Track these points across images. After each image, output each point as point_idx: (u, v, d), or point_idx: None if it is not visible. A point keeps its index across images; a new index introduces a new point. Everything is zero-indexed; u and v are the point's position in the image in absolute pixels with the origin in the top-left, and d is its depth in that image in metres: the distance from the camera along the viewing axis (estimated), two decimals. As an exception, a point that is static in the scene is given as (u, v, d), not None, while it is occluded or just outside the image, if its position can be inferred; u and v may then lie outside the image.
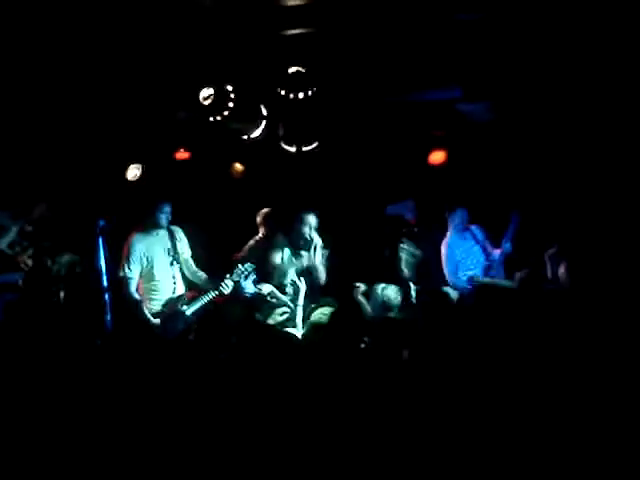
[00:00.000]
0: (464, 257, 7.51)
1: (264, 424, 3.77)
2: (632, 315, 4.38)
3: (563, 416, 3.65)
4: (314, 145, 7.60)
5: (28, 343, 6.14)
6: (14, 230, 7.27)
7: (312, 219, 7.03)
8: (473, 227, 7.61)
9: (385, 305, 6.25)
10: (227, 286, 6.79)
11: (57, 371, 5.07)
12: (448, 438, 3.57)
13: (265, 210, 7.64)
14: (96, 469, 3.81)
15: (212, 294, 6.79)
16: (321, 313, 6.01)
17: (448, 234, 7.59)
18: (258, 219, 7.64)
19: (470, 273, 7.41)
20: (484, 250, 7.57)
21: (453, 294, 6.85)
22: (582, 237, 7.15)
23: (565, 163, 7.61)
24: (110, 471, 3.80)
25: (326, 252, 7.14)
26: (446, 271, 7.52)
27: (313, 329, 5.24)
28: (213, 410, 3.97)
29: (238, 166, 8.20)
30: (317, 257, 7.01)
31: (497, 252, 7.54)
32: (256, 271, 6.94)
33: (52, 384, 4.78)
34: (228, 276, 6.82)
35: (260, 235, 7.58)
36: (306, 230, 6.97)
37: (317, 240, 7.02)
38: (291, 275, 7.04)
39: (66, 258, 7.30)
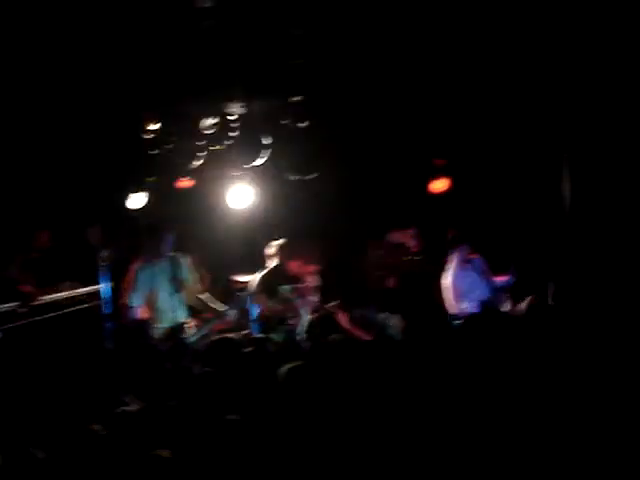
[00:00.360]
0: (468, 290, 7.51)
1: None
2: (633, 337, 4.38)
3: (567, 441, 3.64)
4: (316, 174, 7.63)
5: (29, 370, 6.13)
6: (19, 259, 7.29)
7: None
8: (474, 259, 7.62)
9: (387, 333, 6.26)
10: (231, 315, 6.81)
11: (58, 398, 5.05)
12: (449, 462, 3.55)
13: (281, 242, 7.57)
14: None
15: (214, 321, 6.81)
16: None
17: (451, 268, 7.59)
18: (272, 250, 7.50)
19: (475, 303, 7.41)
20: (487, 281, 7.57)
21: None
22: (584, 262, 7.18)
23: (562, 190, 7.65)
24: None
25: None
26: (450, 303, 7.51)
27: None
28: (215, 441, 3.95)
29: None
30: None
31: (500, 281, 7.54)
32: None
33: (53, 410, 4.76)
34: (230, 306, 6.85)
35: (273, 265, 7.50)
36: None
37: None
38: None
39: (67, 286, 7.31)
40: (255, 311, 6.97)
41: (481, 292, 7.51)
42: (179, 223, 7.45)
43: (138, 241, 7.18)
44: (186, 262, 7.12)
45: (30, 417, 4.55)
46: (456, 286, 7.52)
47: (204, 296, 7.17)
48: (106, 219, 7.99)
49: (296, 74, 7.15)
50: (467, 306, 7.39)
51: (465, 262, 7.57)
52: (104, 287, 6.99)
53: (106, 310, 6.93)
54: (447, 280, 7.57)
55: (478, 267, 7.60)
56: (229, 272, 7.72)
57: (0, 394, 5.28)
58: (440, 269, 7.65)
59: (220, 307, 7.01)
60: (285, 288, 6.99)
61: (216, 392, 4.36)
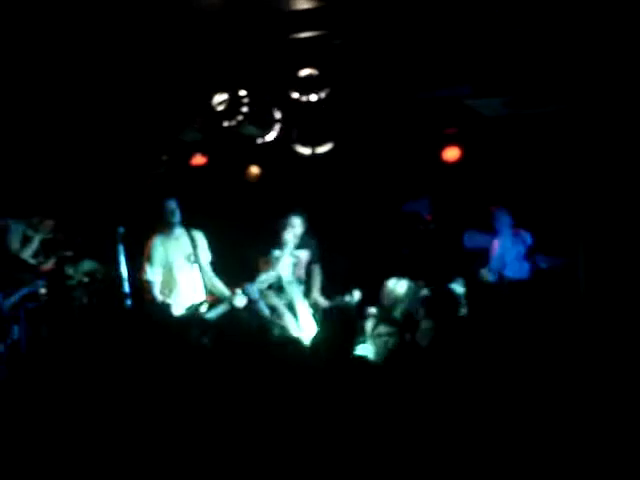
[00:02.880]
0: (513, 260, 7.51)
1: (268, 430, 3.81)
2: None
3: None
4: (328, 147, 7.65)
5: (51, 349, 6.27)
6: (37, 240, 7.40)
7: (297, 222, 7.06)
8: (522, 232, 7.60)
9: (395, 299, 6.28)
10: (240, 299, 6.85)
11: (79, 376, 5.16)
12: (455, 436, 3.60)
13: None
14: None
15: (227, 305, 6.87)
16: None
17: (500, 234, 7.57)
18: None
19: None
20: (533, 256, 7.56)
21: (459, 290, 6.88)
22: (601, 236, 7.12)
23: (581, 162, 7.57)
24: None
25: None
26: (489, 265, 7.53)
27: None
28: (222, 414, 4.03)
29: (253, 170, 8.26)
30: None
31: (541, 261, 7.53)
32: None
33: (74, 389, 4.86)
34: (241, 290, 6.90)
35: None
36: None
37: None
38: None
39: (87, 265, 7.43)
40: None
41: (524, 265, 7.52)
42: (194, 199, 7.52)
43: (149, 217, 7.25)
44: (202, 239, 7.18)
45: (52, 397, 4.66)
46: (502, 253, 7.51)
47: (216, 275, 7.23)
48: (123, 197, 8.08)
49: (306, 46, 7.14)
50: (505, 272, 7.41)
51: (513, 232, 7.55)
52: (122, 265, 7.07)
53: (125, 287, 7.02)
54: (495, 244, 7.54)
55: (526, 241, 7.58)
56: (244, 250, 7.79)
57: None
58: (454, 238, 7.66)
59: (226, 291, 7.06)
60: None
61: (224, 369, 4.44)
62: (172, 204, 6.95)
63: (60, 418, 4.28)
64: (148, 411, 4.15)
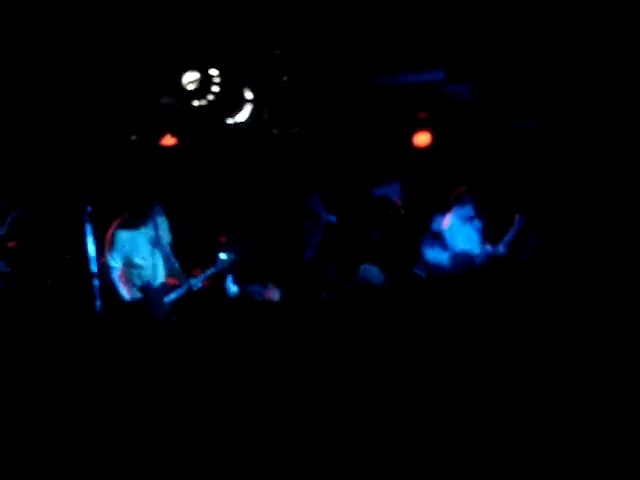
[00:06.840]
0: (465, 244, 7.48)
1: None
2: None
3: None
4: (299, 128, 7.61)
5: (17, 328, 6.16)
6: (9, 218, 7.28)
7: None
8: (477, 220, 7.55)
9: (365, 284, 6.29)
10: (196, 285, 6.82)
11: (46, 357, 5.09)
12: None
13: None
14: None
15: (184, 289, 6.82)
16: None
17: (450, 217, 7.50)
18: None
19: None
20: (484, 246, 7.52)
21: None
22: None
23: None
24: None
25: None
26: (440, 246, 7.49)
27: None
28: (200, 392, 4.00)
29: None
30: None
31: (489, 248, 7.47)
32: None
33: (42, 370, 4.80)
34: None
35: None
36: None
37: None
38: None
39: (53, 244, 7.32)
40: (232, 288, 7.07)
41: (474, 252, 7.48)
42: (162, 180, 7.45)
43: (122, 200, 7.14)
44: (163, 221, 7.09)
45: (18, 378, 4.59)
46: (453, 237, 7.44)
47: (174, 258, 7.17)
48: (91, 176, 7.97)
49: (279, 26, 7.09)
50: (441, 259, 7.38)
51: (467, 219, 7.46)
52: (90, 245, 6.97)
53: (93, 268, 6.92)
54: (439, 226, 7.47)
55: (479, 230, 7.52)
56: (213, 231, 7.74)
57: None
58: (424, 223, 7.67)
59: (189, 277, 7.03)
60: None
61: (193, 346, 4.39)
62: (156, 206, 6.86)
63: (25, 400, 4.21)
64: (118, 391, 4.10)
